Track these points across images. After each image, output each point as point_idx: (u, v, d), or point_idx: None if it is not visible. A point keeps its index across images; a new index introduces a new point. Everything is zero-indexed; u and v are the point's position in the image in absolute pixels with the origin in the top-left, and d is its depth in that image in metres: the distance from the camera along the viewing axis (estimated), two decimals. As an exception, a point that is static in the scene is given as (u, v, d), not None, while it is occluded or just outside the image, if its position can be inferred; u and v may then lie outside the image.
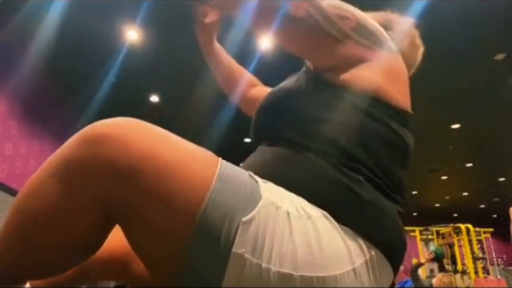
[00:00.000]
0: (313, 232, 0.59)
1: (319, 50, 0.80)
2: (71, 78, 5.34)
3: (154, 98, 5.95)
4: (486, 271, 8.40)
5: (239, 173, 0.62)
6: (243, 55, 4.94)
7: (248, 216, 0.55)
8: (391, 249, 0.66)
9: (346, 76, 0.77)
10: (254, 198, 0.58)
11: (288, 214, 0.59)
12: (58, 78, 5.32)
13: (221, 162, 0.61)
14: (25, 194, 0.55)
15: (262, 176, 0.66)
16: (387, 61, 0.80)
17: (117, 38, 4.64)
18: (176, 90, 5.68)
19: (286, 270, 0.55)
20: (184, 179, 0.54)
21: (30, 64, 4.67)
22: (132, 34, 4.60)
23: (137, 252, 0.58)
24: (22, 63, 4.56)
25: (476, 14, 4.11)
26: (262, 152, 0.78)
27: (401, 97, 0.79)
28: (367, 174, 0.68)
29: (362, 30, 0.79)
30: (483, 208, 12.65)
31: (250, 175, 0.63)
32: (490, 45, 4.63)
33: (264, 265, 0.54)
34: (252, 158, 0.80)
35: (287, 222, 0.58)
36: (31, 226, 0.53)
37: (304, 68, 0.94)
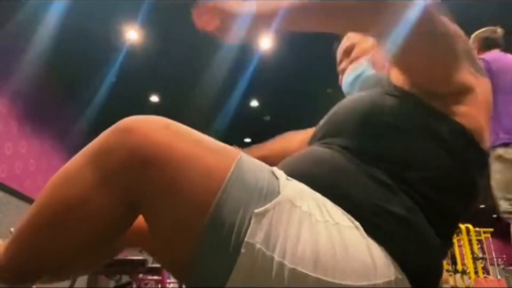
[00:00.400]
0: (338, 239, 0.58)
1: (440, 70, 0.69)
2: (71, 78, 5.34)
3: (154, 98, 5.95)
4: (486, 271, 8.40)
5: (258, 168, 0.62)
6: (243, 55, 4.94)
7: (262, 209, 0.56)
8: (421, 280, 0.63)
9: (451, 107, 0.70)
10: (270, 193, 0.58)
11: (309, 214, 0.58)
12: (58, 78, 5.33)
13: (241, 156, 0.62)
14: (58, 180, 0.60)
15: (298, 173, 0.67)
16: (487, 93, 0.74)
17: (117, 38, 4.64)
18: (176, 90, 5.68)
19: (302, 270, 0.54)
20: (200, 170, 0.56)
21: (31, 64, 4.67)
22: (132, 34, 4.60)
23: (154, 239, 0.60)
24: (22, 63, 4.57)
25: (475, 14, 4.11)
26: (311, 151, 0.76)
27: (489, 136, 0.74)
28: (426, 207, 0.65)
29: (469, 52, 0.73)
30: (483, 208, 12.65)
31: (271, 171, 0.63)
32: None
33: (278, 259, 0.54)
34: (298, 155, 0.77)
35: (307, 223, 0.57)
36: (63, 210, 0.57)
37: (386, 85, 0.80)
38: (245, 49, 4.85)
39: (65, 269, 0.66)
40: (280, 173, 0.63)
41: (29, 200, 4.78)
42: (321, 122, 0.83)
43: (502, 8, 4.14)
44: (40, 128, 5.17)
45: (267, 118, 6.60)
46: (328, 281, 0.55)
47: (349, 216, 0.62)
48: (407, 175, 0.66)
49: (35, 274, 0.63)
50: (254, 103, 6.20)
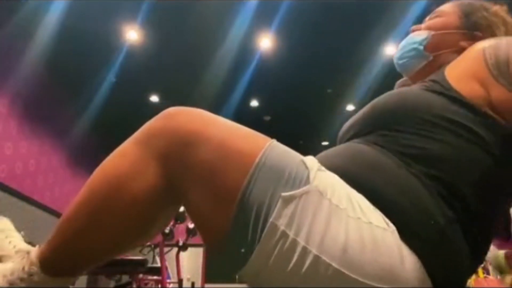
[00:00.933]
0: (369, 238, 0.57)
1: None
2: (71, 78, 5.34)
3: (154, 98, 5.95)
4: (486, 271, 8.39)
5: (288, 155, 0.64)
6: (243, 55, 4.94)
7: (289, 193, 0.58)
8: None
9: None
10: (299, 181, 0.59)
11: (340, 209, 0.59)
12: (58, 78, 5.32)
13: (272, 141, 0.64)
14: (109, 162, 0.66)
15: (334, 167, 0.67)
16: None
17: (117, 38, 4.64)
18: (176, 90, 5.68)
19: (327, 259, 0.55)
20: (233, 151, 0.61)
21: (30, 64, 4.67)
22: (132, 34, 4.60)
23: (191, 214, 0.64)
24: (22, 63, 4.57)
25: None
26: (350, 147, 0.75)
27: None
28: (463, 219, 0.63)
29: None
30: (483, 208, 12.63)
31: (302, 160, 0.63)
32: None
33: (302, 243, 0.56)
34: (335, 150, 0.76)
35: (336, 216, 0.58)
36: (114, 188, 0.63)
37: (443, 85, 0.76)
38: (245, 49, 4.85)
39: (115, 250, 0.69)
40: (311, 163, 0.63)
41: (29, 200, 4.78)
42: (357, 117, 0.81)
43: None
44: (40, 128, 5.17)
45: (267, 118, 6.60)
46: (348, 275, 0.55)
47: (385, 218, 0.61)
48: (456, 184, 0.64)
49: (88, 260, 0.67)
50: (254, 103, 6.20)
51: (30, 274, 0.65)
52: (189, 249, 3.52)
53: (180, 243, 3.26)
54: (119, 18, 4.36)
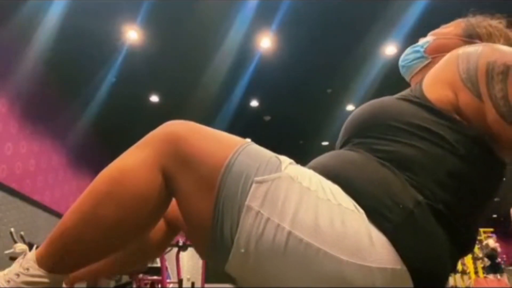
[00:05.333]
0: (338, 216, 0.62)
1: None
2: (71, 78, 5.34)
3: (154, 98, 5.95)
4: (486, 271, 8.39)
5: (263, 150, 0.72)
6: (243, 55, 4.94)
7: (261, 177, 0.64)
8: (424, 279, 0.64)
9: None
10: (270, 168, 0.66)
11: (310, 190, 0.64)
12: (58, 78, 5.33)
13: (249, 141, 0.72)
14: (113, 162, 0.72)
15: (313, 164, 0.75)
16: None
17: (117, 38, 4.64)
18: (176, 90, 5.68)
19: (299, 234, 0.60)
20: (214, 144, 0.69)
21: (30, 64, 4.67)
22: (132, 34, 4.60)
23: (181, 205, 0.70)
24: (22, 63, 4.57)
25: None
26: (331, 152, 0.83)
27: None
28: (434, 204, 0.66)
29: None
30: (483, 208, 12.64)
31: (275, 155, 0.70)
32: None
33: (276, 221, 0.61)
34: (324, 156, 0.83)
35: (307, 196, 0.63)
36: (115, 179, 0.68)
37: (417, 94, 0.81)
38: (245, 49, 4.85)
39: (111, 246, 0.72)
40: (284, 158, 0.70)
41: (29, 200, 4.78)
42: (342, 129, 0.89)
43: None
44: (40, 128, 5.17)
45: (267, 118, 6.60)
46: (319, 248, 0.60)
47: (356, 205, 0.65)
48: (423, 180, 0.68)
49: (84, 254, 0.69)
50: (254, 103, 6.20)
51: (27, 268, 0.67)
52: (189, 249, 3.52)
53: (180, 243, 3.26)
54: (119, 18, 4.37)
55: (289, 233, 0.60)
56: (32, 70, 4.76)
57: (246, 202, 0.63)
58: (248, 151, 0.69)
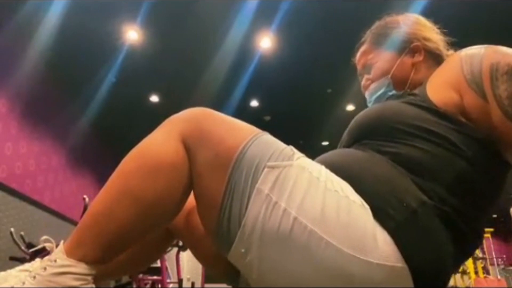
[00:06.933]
0: (344, 208, 0.63)
1: None
2: (71, 78, 5.34)
3: (154, 98, 5.95)
4: (486, 271, 8.40)
5: (279, 142, 0.73)
6: (243, 55, 4.94)
7: (274, 163, 0.66)
8: (425, 279, 0.64)
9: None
10: (283, 157, 0.68)
11: (320, 180, 0.66)
12: (58, 78, 5.33)
13: (265, 132, 0.74)
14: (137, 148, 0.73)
15: (320, 160, 0.77)
16: None
17: (117, 38, 4.64)
18: (176, 90, 5.68)
19: (304, 220, 0.62)
20: (231, 128, 0.72)
21: (30, 64, 4.67)
22: (132, 34, 4.60)
23: (195, 176, 0.71)
24: (22, 63, 4.57)
25: (474, 14, 4.11)
26: (337, 150, 0.85)
27: None
28: (438, 204, 0.67)
29: None
30: (483, 208, 12.62)
31: (290, 148, 0.72)
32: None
33: (283, 206, 0.63)
34: (333, 152, 0.84)
35: (315, 185, 0.65)
36: (141, 153, 0.71)
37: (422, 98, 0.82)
38: (245, 49, 4.85)
39: (144, 224, 0.71)
40: (297, 151, 0.72)
41: (29, 200, 4.78)
42: (345, 132, 0.90)
43: None
44: (40, 128, 5.16)
45: (267, 118, 6.60)
46: (322, 236, 0.61)
47: (363, 201, 0.66)
48: (428, 181, 0.68)
49: (118, 238, 0.68)
50: (254, 103, 6.20)
51: (54, 260, 0.64)
52: (189, 249, 3.51)
53: (180, 243, 3.26)
54: (119, 18, 4.36)
55: (295, 218, 0.62)
56: (32, 70, 4.76)
57: (257, 185, 0.64)
58: (265, 139, 0.71)
